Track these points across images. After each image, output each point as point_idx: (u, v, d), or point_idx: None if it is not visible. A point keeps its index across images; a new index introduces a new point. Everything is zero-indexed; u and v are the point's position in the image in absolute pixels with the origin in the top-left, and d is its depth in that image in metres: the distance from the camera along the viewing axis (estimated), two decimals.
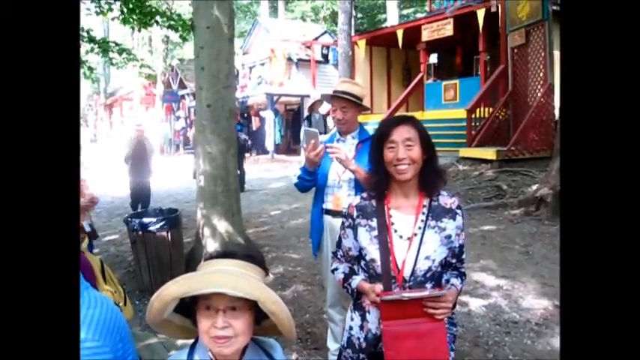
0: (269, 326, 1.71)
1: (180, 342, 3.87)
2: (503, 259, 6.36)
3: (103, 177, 15.36)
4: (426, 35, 14.84)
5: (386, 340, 2.07)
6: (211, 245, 5.96)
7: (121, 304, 3.44)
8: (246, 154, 15.55)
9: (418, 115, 14.48)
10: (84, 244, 4.16)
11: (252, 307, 1.61)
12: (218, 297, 1.55)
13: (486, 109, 12.97)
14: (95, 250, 4.89)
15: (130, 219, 5.98)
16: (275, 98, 21.12)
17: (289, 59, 21.69)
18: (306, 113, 16.22)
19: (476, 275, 5.79)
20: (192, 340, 1.79)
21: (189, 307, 1.65)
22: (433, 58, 15.89)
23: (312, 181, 3.61)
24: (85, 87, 45.93)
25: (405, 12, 31.31)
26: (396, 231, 2.18)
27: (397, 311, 2.06)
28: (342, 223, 2.37)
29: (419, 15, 25.77)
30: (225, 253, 1.71)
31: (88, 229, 4.91)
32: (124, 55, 12.58)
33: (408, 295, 2.05)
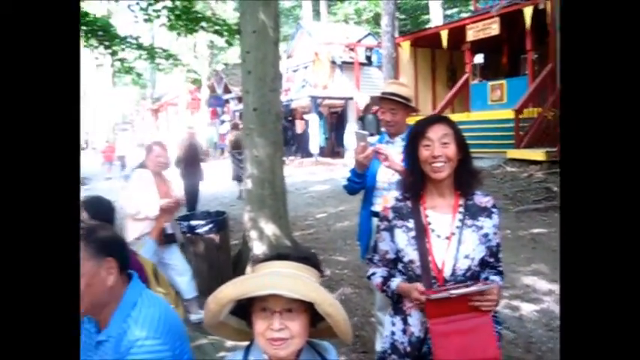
0: (324, 328, 1.70)
1: (229, 343, 3.90)
2: (555, 262, 6.20)
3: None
4: (471, 35, 14.64)
5: (434, 338, 2.04)
6: (258, 248, 5.99)
7: (172, 306, 3.49)
8: None
9: (464, 116, 14.32)
10: (139, 247, 4.24)
11: (308, 309, 1.61)
12: (274, 299, 1.55)
13: (535, 110, 12.70)
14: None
15: (178, 221, 6.06)
16: (319, 101, 21.16)
17: (333, 62, 21.70)
18: (360, 114, 16.16)
19: (527, 279, 5.66)
20: (241, 342, 1.80)
21: (245, 309, 1.65)
22: (479, 58, 15.67)
23: (361, 183, 3.59)
24: (133, 92, 47.04)
25: (449, 12, 30.98)
26: (433, 230, 2.17)
27: (443, 309, 2.04)
28: (378, 226, 2.36)
29: (463, 15, 25.46)
30: (280, 255, 1.71)
31: (170, 231, 4.96)
32: (171, 60, 12.84)
33: (456, 291, 2.02)
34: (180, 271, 5.15)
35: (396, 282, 2.24)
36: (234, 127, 15.14)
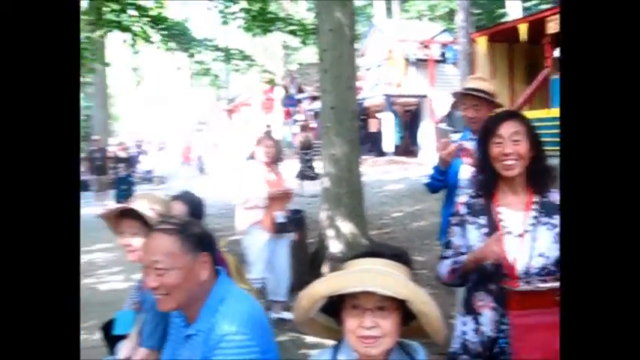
0: (415, 328, 1.67)
1: (309, 340, 3.92)
2: None
3: (226, 179, 15.98)
4: (552, 27, 14.07)
5: (514, 331, 2.00)
6: (335, 246, 6.00)
7: None
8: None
9: (543, 112, 13.80)
10: (223, 243, 4.33)
11: (400, 308, 1.58)
12: (366, 296, 1.53)
13: None
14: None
15: None
16: (392, 99, 21.00)
17: (406, 60, 21.50)
18: (433, 112, 15.97)
19: None
20: (325, 340, 1.79)
21: (335, 306, 1.64)
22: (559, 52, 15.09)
23: (443, 181, 3.52)
24: (209, 94, 48.25)
25: (526, 4, 30.01)
26: (505, 228, 2.12)
27: (526, 302, 1.99)
28: (449, 221, 2.34)
29: (543, 7, 24.60)
30: (371, 252, 1.69)
31: (281, 220, 5.05)
32: (247, 61, 13.08)
33: (544, 285, 1.97)
34: (280, 273, 5.16)
35: (465, 256, 2.19)
36: (304, 128, 15.46)
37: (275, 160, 5.16)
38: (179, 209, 3.00)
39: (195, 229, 1.90)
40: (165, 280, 1.78)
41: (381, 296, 1.51)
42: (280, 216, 5.00)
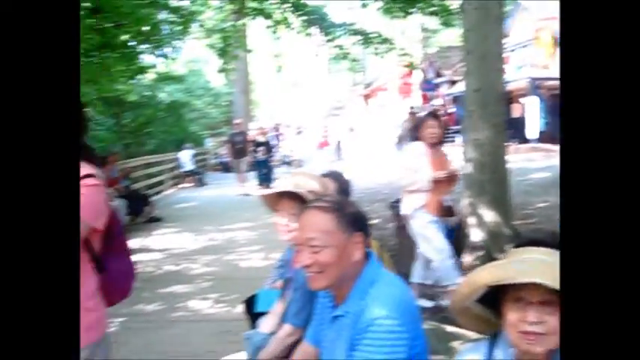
0: None
1: (449, 329, 3.80)
2: None
3: (363, 164, 16.10)
4: None
5: None
6: (476, 235, 5.80)
7: None
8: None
9: None
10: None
11: None
12: (532, 288, 1.41)
13: None
14: None
15: (396, 203, 6.06)
16: (538, 82, 19.91)
17: (554, 39, 20.23)
18: None
19: None
20: (470, 332, 1.69)
21: (495, 297, 1.54)
22: None
23: None
24: (346, 79, 48.80)
25: None
26: None
27: None
28: None
29: None
30: (535, 241, 1.56)
31: (449, 203, 5.00)
32: (386, 45, 13.01)
33: None
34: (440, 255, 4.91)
35: None
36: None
37: (440, 141, 4.98)
38: (330, 186, 2.98)
39: (350, 208, 1.88)
40: (319, 258, 1.78)
41: (548, 289, 1.39)
42: (448, 199, 4.90)
